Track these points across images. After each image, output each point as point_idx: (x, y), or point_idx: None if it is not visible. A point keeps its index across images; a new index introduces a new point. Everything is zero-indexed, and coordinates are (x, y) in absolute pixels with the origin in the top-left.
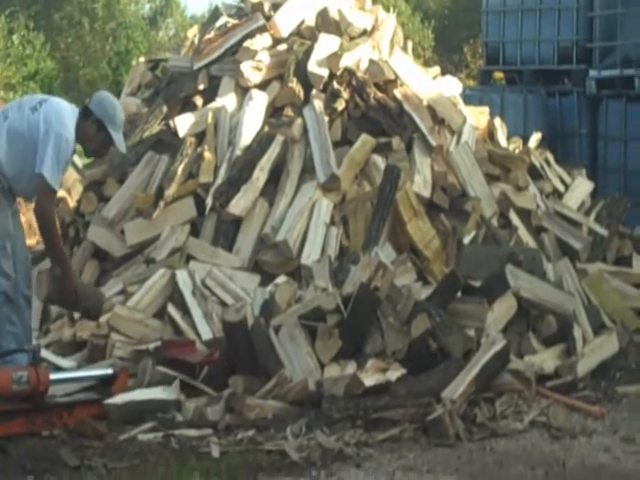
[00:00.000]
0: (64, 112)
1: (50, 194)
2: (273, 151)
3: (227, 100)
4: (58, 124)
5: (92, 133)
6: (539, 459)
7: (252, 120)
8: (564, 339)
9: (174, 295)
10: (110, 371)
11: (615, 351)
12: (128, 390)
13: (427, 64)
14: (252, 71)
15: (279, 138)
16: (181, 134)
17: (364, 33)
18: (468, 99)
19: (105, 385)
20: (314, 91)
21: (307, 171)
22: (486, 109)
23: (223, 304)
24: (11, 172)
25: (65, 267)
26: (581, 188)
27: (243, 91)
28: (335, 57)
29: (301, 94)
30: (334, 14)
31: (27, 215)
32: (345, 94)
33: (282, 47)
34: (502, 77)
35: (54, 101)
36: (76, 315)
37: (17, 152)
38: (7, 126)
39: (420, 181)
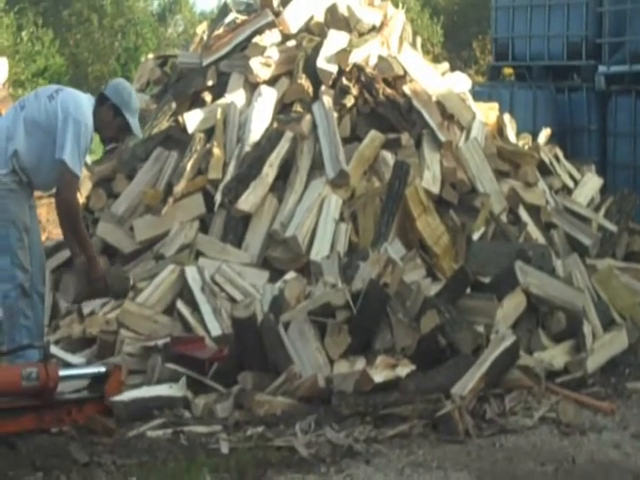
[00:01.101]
0: (81, 100)
1: (72, 180)
2: (282, 147)
3: (236, 96)
4: (76, 111)
5: (108, 119)
6: (549, 455)
7: (261, 116)
8: (573, 335)
9: (183, 291)
10: (103, 369)
11: (625, 347)
12: (135, 387)
13: (436, 60)
14: (261, 67)
15: (288, 134)
16: (190, 130)
17: (373, 29)
18: (477, 95)
19: (98, 383)
20: (323, 87)
21: (316, 167)
22: (495, 105)
23: (232, 300)
24: (30, 163)
25: (90, 253)
26: (590, 184)
27: (252, 87)
28: (344, 53)
29: (310, 90)
30: (343, 10)
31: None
32: (354, 90)
33: (291, 43)
34: (511, 73)
35: (70, 90)
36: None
37: (35, 142)
38: (24, 116)
39: (429, 177)
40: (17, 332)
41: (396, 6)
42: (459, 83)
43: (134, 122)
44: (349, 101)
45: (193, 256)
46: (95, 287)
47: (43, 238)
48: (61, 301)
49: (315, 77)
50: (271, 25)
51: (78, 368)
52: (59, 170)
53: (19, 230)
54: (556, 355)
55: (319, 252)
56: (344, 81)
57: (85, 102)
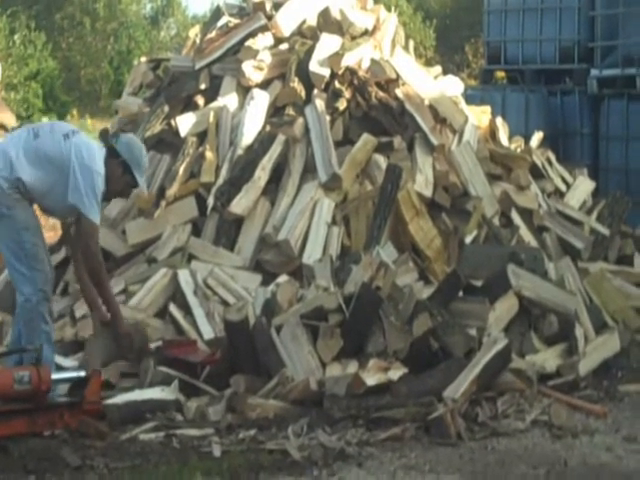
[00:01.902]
0: (94, 149)
1: (92, 229)
2: (275, 150)
3: (229, 99)
4: (90, 160)
5: (117, 174)
6: (541, 458)
7: (254, 119)
8: (566, 338)
9: (176, 295)
10: (82, 374)
11: (617, 350)
12: (128, 390)
13: (429, 63)
14: (254, 70)
15: (281, 137)
16: (183, 134)
17: (366, 33)
18: (470, 98)
19: (77, 388)
20: (316, 90)
21: (309, 170)
22: (488, 108)
23: (225, 303)
24: (37, 192)
25: (115, 308)
26: (583, 187)
27: (245, 90)
28: (337, 56)
29: (303, 93)
30: (336, 14)
31: None
32: (347, 93)
33: (284, 46)
34: (504, 76)
35: (84, 136)
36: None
37: (45, 174)
38: (36, 146)
39: (422, 180)
40: (37, 337)
41: (388, 10)
42: (451, 86)
43: (142, 181)
44: (341, 104)
45: (185, 259)
46: (122, 344)
47: None
48: (54, 304)
49: (308, 80)
50: (264, 28)
51: (57, 373)
52: (79, 222)
53: (33, 234)
54: (548, 358)
55: (311, 255)
56: (337, 84)
57: (97, 152)
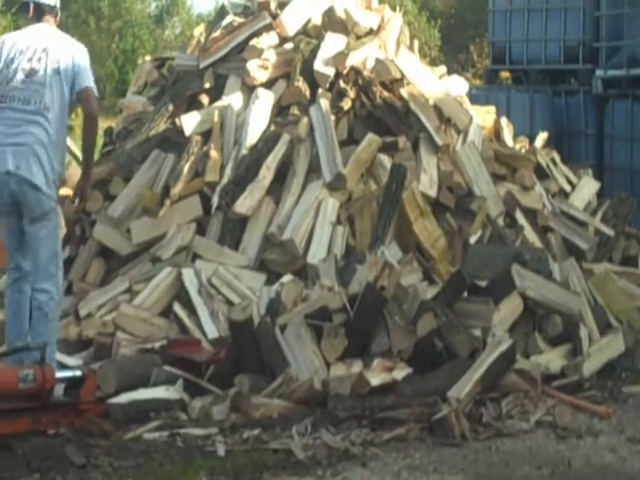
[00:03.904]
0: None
1: (96, 100)
2: (279, 150)
3: (233, 99)
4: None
5: None
6: (545, 459)
7: (258, 119)
8: (570, 339)
9: (180, 294)
10: (78, 373)
11: (621, 351)
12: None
13: (433, 63)
14: (258, 70)
15: (285, 137)
16: (187, 133)
17: (370, 32)
18: (474, 98)
19: (73, 387)
20: (320, 90)
21: (313, 170)
22: (492, 108)
23: (229, 303)
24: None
25: (90, 165)
26: (587, 188)
27: (249, 90)
28: (341, 56)
29: (307, 93)
30: (341, 13)
31: None
32: (351, 93)
33: (288, 46)
34: (508, 76)
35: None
36: None
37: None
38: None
39: (426, 180)
40: (52, 335)
41: (393, 9)
42: (456, 86)
43: None
44: (346, 104)
45: (190, 258)
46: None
47: None
48: None
49: (312, 80)
50: (268, 28)
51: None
52: (85, 95)
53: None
54: (553, 359)
55: (316, 255)
56: (341, 84)
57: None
